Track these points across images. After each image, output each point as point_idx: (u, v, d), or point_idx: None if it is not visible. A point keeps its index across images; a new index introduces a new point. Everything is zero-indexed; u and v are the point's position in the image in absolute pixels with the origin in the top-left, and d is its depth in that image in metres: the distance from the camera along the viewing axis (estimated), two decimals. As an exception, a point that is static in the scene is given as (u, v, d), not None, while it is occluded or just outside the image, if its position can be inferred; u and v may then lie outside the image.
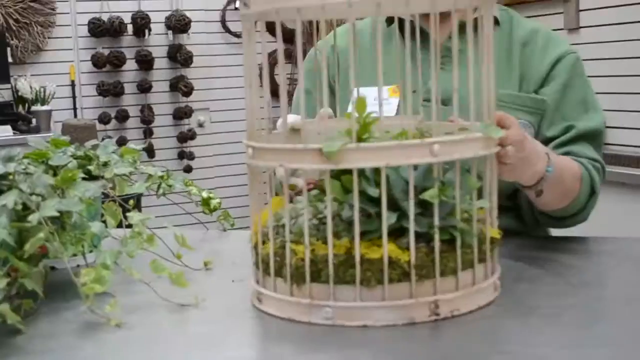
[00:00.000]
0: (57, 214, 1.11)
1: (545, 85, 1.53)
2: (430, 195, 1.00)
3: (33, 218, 1.09)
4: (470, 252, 1.04)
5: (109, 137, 4.91)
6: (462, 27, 1.08)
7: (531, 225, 1.57)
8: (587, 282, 1.18)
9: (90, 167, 1.33)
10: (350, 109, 1.36)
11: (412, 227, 0.99)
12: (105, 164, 1.34)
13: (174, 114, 5.54)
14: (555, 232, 1.64)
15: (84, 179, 1.23)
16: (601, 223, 2.48)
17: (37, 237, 1.07)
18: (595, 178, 1.48)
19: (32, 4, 5.07)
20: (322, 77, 1.02)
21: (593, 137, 1.53)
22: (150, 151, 5.38)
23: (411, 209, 0.99)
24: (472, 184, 1.06)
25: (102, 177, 1.33)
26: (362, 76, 1.24)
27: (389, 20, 1.60)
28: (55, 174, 1.24)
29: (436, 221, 1.01)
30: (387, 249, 1.00)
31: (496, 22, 1.56)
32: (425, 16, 1.19)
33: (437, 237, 1.01)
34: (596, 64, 3.73)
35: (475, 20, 1.09)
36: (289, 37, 1.49)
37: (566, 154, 1.49)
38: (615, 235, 1.49)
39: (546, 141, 1.50)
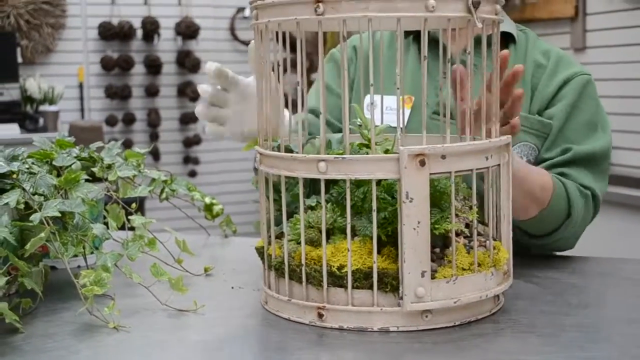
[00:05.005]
0: (59, 214, 1.12)
1: (551, 106, 1.50)
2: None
3: (35, 217, 1.10)
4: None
5: (115, 139, 4.89)
6: (478, 41, 1.07)
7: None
8: (587, 303, 1.17)
9: (94, 169, 1.33)
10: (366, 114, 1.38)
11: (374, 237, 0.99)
12: (109, 167, 1.34)
13: (181, 119, 5.57)
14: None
15: (87, 180, 1.23)
16: (603, 244, 2.48)
17: (38, 236, 1.07)
18: (576, 202, 1.41)
19: (43, 5, 5.10)
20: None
21: (591, 161, 1.46)
22: (155, 154, 5.41)
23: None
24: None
25: (106, 180, 1.33)
26: (377, 84, 1.29)
27: (408, 32, 1.60)
28: (59, 175, 1.25)
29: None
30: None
31: (513, 40, 1.55)
32: (443, 29, 1.18)
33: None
34: (601, 85, 3.69)
35: (489, 36, 1.09)
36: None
37: (560, 175, 1.43)
38: (617, 257, 1.48)
39: (543, 162, 1.46)
